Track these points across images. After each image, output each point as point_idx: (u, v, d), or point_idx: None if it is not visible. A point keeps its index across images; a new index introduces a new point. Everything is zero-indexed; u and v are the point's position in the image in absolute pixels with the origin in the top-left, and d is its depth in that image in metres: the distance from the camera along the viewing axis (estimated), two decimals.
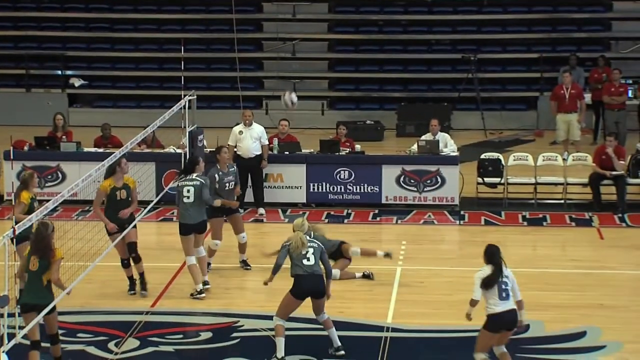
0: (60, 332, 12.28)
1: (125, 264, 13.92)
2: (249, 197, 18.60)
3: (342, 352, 11.70)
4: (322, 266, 11.72)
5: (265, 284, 11.96)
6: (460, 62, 27.52)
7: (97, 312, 13.19)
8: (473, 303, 10.92)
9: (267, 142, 18.79)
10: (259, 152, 18.54)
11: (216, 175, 14.83)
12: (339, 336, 12.09)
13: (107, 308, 13.37)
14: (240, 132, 18.75)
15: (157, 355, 11.73)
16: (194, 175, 13.83)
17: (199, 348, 12.01)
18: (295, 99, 18.31)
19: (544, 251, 16.87)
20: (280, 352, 11.48)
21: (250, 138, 18.63)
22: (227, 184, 14.94)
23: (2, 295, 9.52)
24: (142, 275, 13.93)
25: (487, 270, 10.84)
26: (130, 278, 13.98)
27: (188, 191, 13.64)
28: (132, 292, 13.92)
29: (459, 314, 13.16)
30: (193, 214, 13.65)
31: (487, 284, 10.72)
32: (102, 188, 13.68)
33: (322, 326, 11.98)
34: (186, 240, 13.75)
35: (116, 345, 12.09)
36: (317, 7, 29.55)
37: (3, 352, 9.61)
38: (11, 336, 9.91)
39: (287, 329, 11.75)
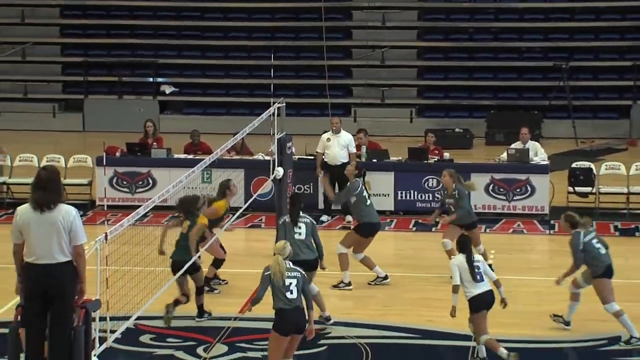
0: (150, 336, 12.48)
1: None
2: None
3: None
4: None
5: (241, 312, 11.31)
6: (552, 69, 27.24)
7: (186, 317, 13.29)
8: (456, 289, 11.68)
9: (354, 150, 18.77)
10: (346, 160, 18.52)
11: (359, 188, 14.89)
12: (427, 345, 12.01)
13: (195, 313, 13.46)
14: (328, 140, 18.80)
15: None
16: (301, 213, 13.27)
17: None
18: None
19: (636, 262, 16.56)
20: None
21: (338, 145, 18.65)
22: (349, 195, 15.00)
23: (95, 299, 9.65)
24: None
25: (460, 257, 11.74)
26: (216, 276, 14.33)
27: (300, 227, 13.05)
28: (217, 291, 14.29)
29: (548, 324, 13.04)
30: (307, 252, 13.02)
31: (474, 275, 11.59)
32: (220, 208, 14.08)
33: (413, 335, 11.94)
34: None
35: (204, 350, 12.17)
36: (407, 15, 29.51)
37: (95, 355, 9.73)
38: (102, 340, 10.03)
39: (376, 337, 11.71)
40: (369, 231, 14.54)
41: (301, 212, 13.08)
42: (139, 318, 11.40)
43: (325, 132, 19.17)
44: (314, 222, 13.02)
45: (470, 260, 11.70)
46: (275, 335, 10.68)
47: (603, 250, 12.48)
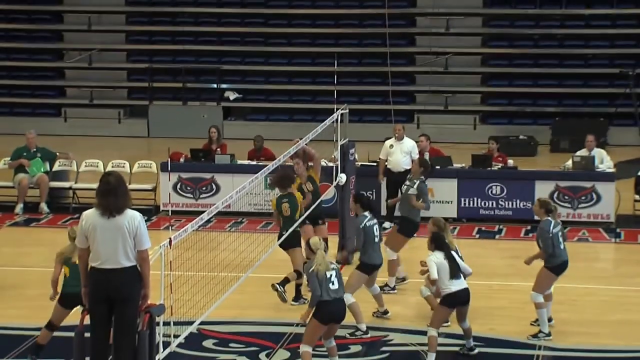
0: (213, 341, 12.54)
1: None
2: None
3: None
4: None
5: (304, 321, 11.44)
6: (618, 76, 26.94)
7: (249, 323, 13.34)
8: (433, 282, 11.93)
9: (417, 156, 18.72)
10: (409, 167, 18.46)
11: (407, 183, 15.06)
12: (491, 354, 11.96)
13: (258, 319, 13.51)
14: (391, 146, 18.78)
15: None
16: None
17: None
18: None
19: None
20: None
21: (401, 152, 18.63)
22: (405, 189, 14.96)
23: (159, 304, 9.71)
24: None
25: (438, 255, 11.80)
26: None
27: (377, 230, 13.18)
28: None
29: (614, 334, 12.90)
30: (381, 254, 13.26)
31: (453, 272, 11.69)
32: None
33: (476, 343, 11.88)
34: (364, 279, 13.17)
35: (267, 356, 12.20)
36: (471, 21, 29.36)
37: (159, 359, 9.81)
38: (166, 345, 10.10)
39: (438, 345, 11.67)
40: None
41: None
42: (202, 323, 11.46)
43: (388, 138, 19.15)
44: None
45: (450, 257, 11.79)
46: (315, 322, 11.14)
47: (562, 246, 12.67)
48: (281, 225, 14.07)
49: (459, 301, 11.79)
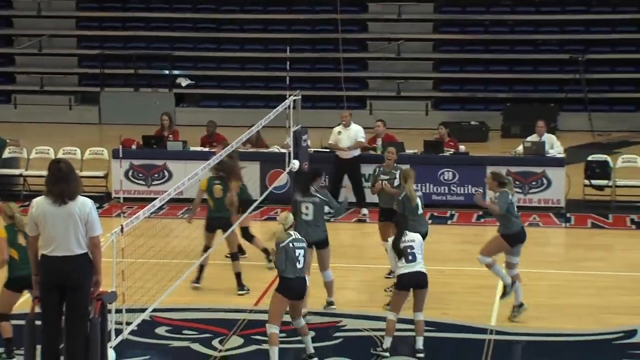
0: (165, 329, 12.51)
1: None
2: (351, 197, 18.58)
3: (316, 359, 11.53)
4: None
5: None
6: (568, 62, 27.16)
7: (202, 310, 13.32)
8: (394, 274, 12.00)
9: (362, 140, 18.72)
10: (357, 154, 18.56)
11: (376, 169, 14.83)
12: (443, 338, 12.03)
13: (211, 306, 13.49)
14: (339, 133, 18.82)
15: (260, 353, 11.80)
16: (313, 191, 13.05)
17: (302, 347, 12.03)
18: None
19: None
20: None
21: (348, 138, 18.68)
22: (382, 182, 14.62)
23: (110, 291, 9.68)
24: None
25: (392, 239, 11.86)
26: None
27: (307, 208, 12.96)
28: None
29: (564, 317, 13.03)
30: (311, 233, 12.81)
31: (396, 250, 11.71)
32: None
33: (429, 328, 11.95)
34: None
35: (220, 342, 12.19)
36: (423, 7, 29.45)
37: (110, 347, 9.77)
38: (118, 332, 10.07)
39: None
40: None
41: (312, 191, 12.99)
42: (154, 310, 11.43)
43: (339, 124, 19.17)
44: (324, 199, 12.92)
45: (399, 240, 11.72)
46: (279, 296, 11.22)
47: (517, 216, 12.84)
48: (212, 207, 13.96)
49: (409, 283, 11.67)
